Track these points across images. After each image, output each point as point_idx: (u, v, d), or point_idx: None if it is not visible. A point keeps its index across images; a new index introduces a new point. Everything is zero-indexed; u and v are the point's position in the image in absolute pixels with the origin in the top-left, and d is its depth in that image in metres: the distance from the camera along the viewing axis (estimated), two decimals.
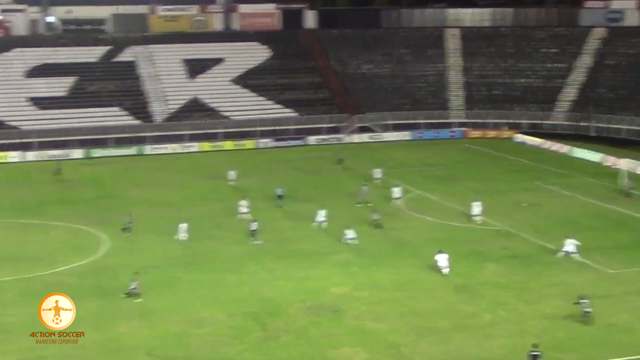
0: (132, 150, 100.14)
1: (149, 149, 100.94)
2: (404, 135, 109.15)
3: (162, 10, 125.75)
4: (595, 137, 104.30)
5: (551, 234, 62.93)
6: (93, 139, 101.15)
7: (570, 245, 56.10)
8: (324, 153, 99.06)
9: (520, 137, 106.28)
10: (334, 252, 58.89)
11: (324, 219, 64.42)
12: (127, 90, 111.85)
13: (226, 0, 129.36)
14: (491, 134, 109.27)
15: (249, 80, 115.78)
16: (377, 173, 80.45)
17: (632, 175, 79.95)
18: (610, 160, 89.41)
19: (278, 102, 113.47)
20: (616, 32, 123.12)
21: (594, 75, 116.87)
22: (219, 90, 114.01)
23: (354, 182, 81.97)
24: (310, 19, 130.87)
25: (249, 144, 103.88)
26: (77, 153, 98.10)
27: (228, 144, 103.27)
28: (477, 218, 65.42)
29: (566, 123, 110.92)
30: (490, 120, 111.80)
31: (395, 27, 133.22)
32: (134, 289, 49.08)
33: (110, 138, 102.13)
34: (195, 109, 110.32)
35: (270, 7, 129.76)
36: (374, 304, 49.02)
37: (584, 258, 56.01)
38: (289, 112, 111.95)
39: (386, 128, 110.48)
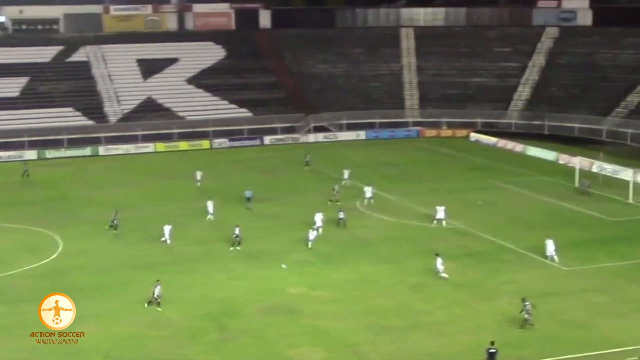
0: (86, 151, 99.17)
1: (103, 150, 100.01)
2: (360, 134, 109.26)
3: (115, 10, 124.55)
4: (549, 136, 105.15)
5: (506, 232, 63.42)
6: (46, 140, 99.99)
7: (550, 246, 55.94)
8: (280, 153, 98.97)
9: (475, 136, 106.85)
10: (291, 251, 58.76)
11: (320, 223, 63.00)
12: (80, 91, 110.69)
13: (180, 0, 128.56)
14: (446, 133, 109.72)
15: (204, 80, 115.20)
16: (346, 174, 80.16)
17: (586, 174, 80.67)
18: (564, 159, 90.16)
19: (233, 102, 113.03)
20: (568, 31, 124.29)
21: (547, 75, 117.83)
22: (174, 90, 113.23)
23: (310, 181, 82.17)
24: (264, 18, 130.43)
25: (204, 144, 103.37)
26: (30, 154, 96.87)
27: (183, 144, 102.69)
28: (443, 222, 65.16)
29: (520, 122, 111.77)
30: (445, 120, 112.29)
31: (349, 27, 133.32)
32: (157, 297, 47.86)
33: (63, 139, 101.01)
34: (149, 109, 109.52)
35: (224, 7, 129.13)
36: (331, 303, 49.00)
37: (538, 255, 56.34)
38: (243, 112, 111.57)
39: (341, 128, 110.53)
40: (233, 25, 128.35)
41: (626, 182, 75.51)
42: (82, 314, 46.45)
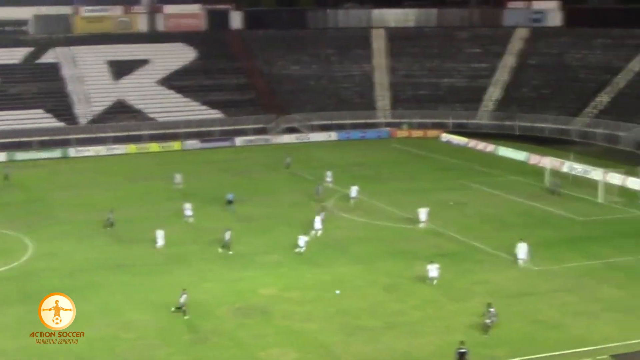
0: (56, 153, 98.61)
1: (73, 152, 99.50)
2: (331, 135, 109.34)
3: (85, 11, 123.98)
4: (520, 136, 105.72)
5: (478, 232, 63.65)
6: (16, 142, 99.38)
7: (522, 249, 55.87)
8: (252, 154, 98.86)
9: (446, 137, 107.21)
10: (263, 253, 58.69)
11: (320, 225, 62.81)
12: (50, 92, 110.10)
13: (150, 1, 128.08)
14: (417, 133, 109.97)
15: (175, 81, 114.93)
16: (329, 175, 79.89)
17: (556, 173, 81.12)
18: (534, 159, 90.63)
19: (204, 103, 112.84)
20: (538, 32, 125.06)
21: (518, 75, 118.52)
22: (145, 91, 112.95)
23: (282, 182, 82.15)
24: (235, 19, 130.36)
25: (175, 145, 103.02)
26: (0, 156, 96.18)
27: (154, 146, 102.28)
28: (423, 224, 65.08)
29: (491, 122, 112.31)
30: (417, 120, 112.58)
31: (321, 28, 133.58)
32: (183, 305, 47.06)
33: (34, 141, 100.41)
34: (120, 111, 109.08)
35: (195, 8, 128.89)
36: (303, 304, 48.94)
37: (509, 256, 56.54)
38: (215, 114, 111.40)
39: (313, 129, 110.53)
40: (204, 26, 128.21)
41: (596, 182, 76.00)
42: None
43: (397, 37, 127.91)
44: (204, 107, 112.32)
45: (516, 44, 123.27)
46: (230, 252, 58.48)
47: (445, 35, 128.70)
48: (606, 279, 53.18)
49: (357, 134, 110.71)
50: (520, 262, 55.27)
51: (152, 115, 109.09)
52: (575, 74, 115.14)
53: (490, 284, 51.62)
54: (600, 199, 73.77)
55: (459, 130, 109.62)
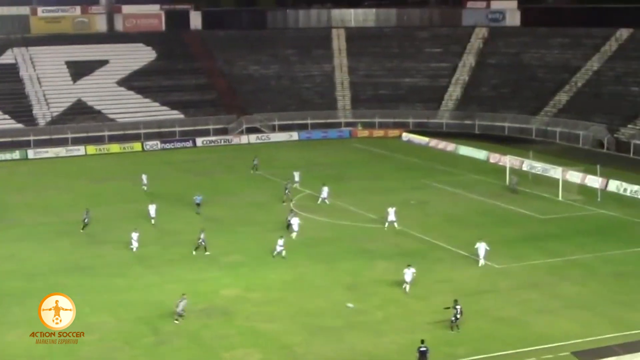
0: (15, 155, 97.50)
1: (32, 153, 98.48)
2: (292, 135, 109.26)
3: (42, 11, 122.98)
4: (480, 135, 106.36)
5: (440, 231, 63.93)
6: None
7: (482, 248, 55.91)
8: (213, 155, 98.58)
9: (407, 136, 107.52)
10: (225, 253, 58.48)
11: (297, 228, 62.14)
12: (8, 94, 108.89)
13: (109, 1, 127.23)
14: (378, 133, 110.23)
15: (134, 82, 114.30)
16: (296, 176, 79.59)
17: (516, 172, 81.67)
18: (494, 158, 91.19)
19: (164, 104, 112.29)
20: (497, 31, 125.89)
21: (477, 75, 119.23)
22: (104, 92, 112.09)
23: (244, 183, 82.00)
24: (195, 20, 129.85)
25: (135, 146, 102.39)
26: None
27: (114, 147, 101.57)
28: (394, 224, 64.98)
29: (451, 121, 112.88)
30: (378, 120, 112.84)
31: (281, 28, 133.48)
32: (180, 313, 46.30)
33: None
34: (79, 112, 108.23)
35: (154, 8, 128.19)
36: (265, 304, 48.86)
37: (471, 254, 56.79)
38: (175, 114, 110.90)
39: (274, 129, 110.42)
40: (163, 27, 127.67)
41: (556, 180, 76.60)
42: (13, 320, 46.07)
43: (357, 37, 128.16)
44: (164, 108, 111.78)
45: (475, 43, 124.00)
46: (207, 253, 58.14)
47: (405, 35, 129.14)
48: (566, 276, 53.62)
49: (318, 133, 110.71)
50: (481, 262, 55.46)
51: (112, 116, 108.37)
52: (534, 73, 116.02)
53: (452, 283, 51.82)
54: (560, 197, 74.36)
55: (420, 129, 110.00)
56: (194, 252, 58.31)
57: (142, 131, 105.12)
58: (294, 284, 52.28)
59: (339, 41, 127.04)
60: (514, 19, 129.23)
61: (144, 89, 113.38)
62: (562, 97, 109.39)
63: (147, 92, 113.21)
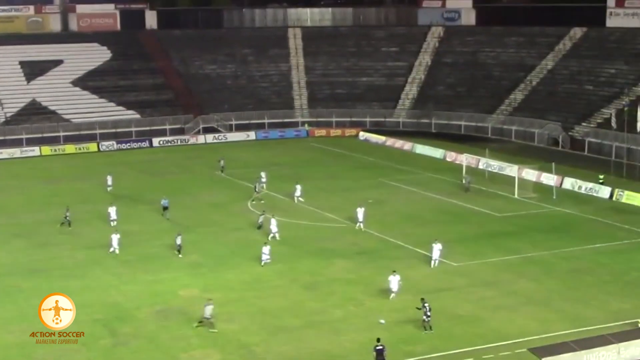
0: None
1: None
2: (249, 135, 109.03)
3: None
4: (437, 134, 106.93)
5: (397, 229, 64.12)
6: None
7: (436, 250, 55.90)
8: (169, 155, 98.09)
9: (364, 135, 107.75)
10: (183, 254, 58.08)
11: (275, 229, 61.60)
12: None
13: (63, 1, 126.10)
14: (335, 132, 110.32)
15: (90, 82, 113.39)
16: (263, 176, 79.05)
17: (472, 170, 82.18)
18: (451, 156, 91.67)
19: (120, 104, 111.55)
20: (453, 31, 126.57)
21: (433, 73, 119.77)
22: (59, 92, 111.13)
23: (201, 183, 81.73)
24: (150, 19, 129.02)
25: (91, 147, 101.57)
26: None
27: (69, 148, 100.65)
28: (361, 225, 64.84)
29: (408, 120, 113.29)
30: (335, 119, 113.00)
31: (237, 27, 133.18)
32: (209, 318, 45.06)
33: None
34: (34, 112, 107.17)
35: (109, 8, 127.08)
36: (224, 304, 48.59)
37: (428, 252, 56.99)
38: (131, 114, 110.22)
39: (231, 128, 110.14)
40: (118, 26, 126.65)
41: (512, 178, 77.13)
42: None
43: (313, 37, 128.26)
44: (120, 108, 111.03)
45: (431, 42, 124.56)
46: (180, 256, 57.61)
47: (361, 35, 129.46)
48: (523, 273, 54.03)
49: (275, 133, 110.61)
50: (433, 262, 55.48)
51: (67, 117, 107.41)
52: (490, 72, 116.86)
53: (409, 281, 51.88)
54: (516, 195, 74.91)
55: (377, 128, 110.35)
56: (180, 256, 57.82)
57: (98, 131, 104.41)
58: (253, 284, 52.17)
59: (295, 40, 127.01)
60: (469, 18, 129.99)
61: (99, 89, 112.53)
62: (518, 96, 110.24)
63: (102, 92, 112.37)
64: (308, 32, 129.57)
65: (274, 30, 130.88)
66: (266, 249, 56.01)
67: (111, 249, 58.67)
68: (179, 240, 57.88)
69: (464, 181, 78.24)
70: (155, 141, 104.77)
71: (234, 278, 53.46)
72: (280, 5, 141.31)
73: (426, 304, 44.65)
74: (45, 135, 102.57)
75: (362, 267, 55.44)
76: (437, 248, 55.53)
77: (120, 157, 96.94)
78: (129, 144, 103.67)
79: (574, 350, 38.73)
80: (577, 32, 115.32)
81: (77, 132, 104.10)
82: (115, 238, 58.93)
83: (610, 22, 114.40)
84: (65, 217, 65.16)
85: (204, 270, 54.97)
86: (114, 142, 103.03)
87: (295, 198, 72.93)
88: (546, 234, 63.47)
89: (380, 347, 39.55)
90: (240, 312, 47.44)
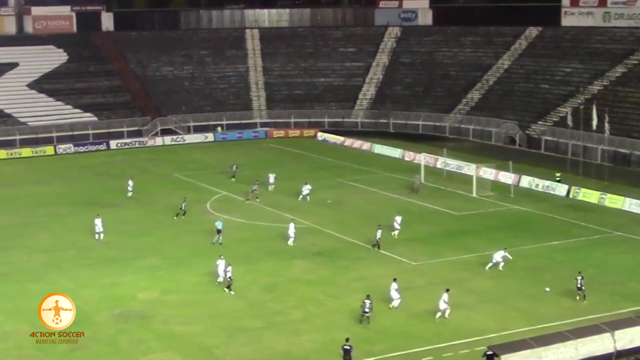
0: None
1: None
2: (207, 136, 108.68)
3: None
4: (395, 134, 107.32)
5: (356, 229, 64.21)
6: None
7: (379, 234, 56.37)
8: (127, 157, 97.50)
9: (322, 136, 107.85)
10: (140, 257, 57.97)
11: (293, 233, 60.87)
12: None
13: (18, 3, 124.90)
14: (294, 133, 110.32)
15: (46, 84, 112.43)
16: (271, 178, 78.61)
17: (430, 170, 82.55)
18: (409, 156, 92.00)
19: (76, 107, 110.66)
20: (410, 31, 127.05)
21: (391, 74, 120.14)
22: (14, 95, 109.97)
23: (159, 185, 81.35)
24: (106, 21, 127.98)
25: (48, 150, 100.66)
26: None
27: (26, 151, 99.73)
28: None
29: (366, 120, 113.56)
30: (293, 120, 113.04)
31: (194, 29, 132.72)
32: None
33: None
34: None
35: (64, 10, 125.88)
36: (183, 307, 48.52)
37: (387, 252, 57.17)
38: (88, 117, 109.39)
39: (189, 130, 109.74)
40: (74, 28, 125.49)
41: (470, 177, 77.62)
42: None
43: (271, 38, 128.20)
44: (76, 111, 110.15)
45: (389, 43, 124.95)
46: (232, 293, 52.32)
47: (319, 35, 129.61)
48: (481, 272, 54.36)
49: (233, 134, 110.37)
50: (378, 242, 55.97)
51: (23, 120, 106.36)
52: (447, 72, 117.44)
53: (369, 280, 52.09)
54: (474, 193, 75.36)
55: (335, 129, 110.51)
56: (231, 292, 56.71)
57: (55, 134, 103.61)
58: (212, 286, 51.98)
59: (253, 41, 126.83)
60: (426, 18, 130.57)
61: (55, 92, 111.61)
62: (475, 95, 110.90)
63: (58, 94, 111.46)
64: (266, 33, 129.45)
65: (231, 32, 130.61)
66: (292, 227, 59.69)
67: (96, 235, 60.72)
68: (228, 272, 51.14)
69: (413, 182, 77.88)
70: (113, 144, 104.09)
71: (193, 280, 53.24)
72: (238, 6, 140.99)
73: (367, 301, 45.11)
74: (0, 138, 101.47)
75: (322, 267, 55.51)
76: (379, 233, 57.73)
77: (77, 160, 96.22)
78: (86, 146, 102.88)
79: (532, 347, 39.05)
80: (532, 31, 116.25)
81: (33, 136, 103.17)
82: (99, 222, 60.84)
83: (565, 22, 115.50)
84: (181, 208, 67.15)
85: (162, 273, 54.71)
86: (71, 145, 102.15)
87: (301, 196, 73.61)
88: (504, 232, 63.91)
89: (348, 347, 39.65)
90: (199, 315, 47.27)
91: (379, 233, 58.39)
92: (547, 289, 50.46)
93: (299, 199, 73.39)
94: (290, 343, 43.25)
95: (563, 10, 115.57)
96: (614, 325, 41.46)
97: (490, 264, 54.16)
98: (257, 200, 73.10)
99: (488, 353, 38.74)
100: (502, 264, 54.05)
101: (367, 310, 45.10)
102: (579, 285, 48.68)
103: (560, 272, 54.13)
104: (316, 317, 46.89)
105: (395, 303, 47.80)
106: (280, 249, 59.52)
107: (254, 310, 47.81)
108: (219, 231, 60.48)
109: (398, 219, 62.71)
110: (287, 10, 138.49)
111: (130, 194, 75.91)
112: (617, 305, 48.23)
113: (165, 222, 67.07)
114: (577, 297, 48.80)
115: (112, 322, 46.13)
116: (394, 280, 48.78)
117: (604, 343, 40.41)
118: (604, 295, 50.06)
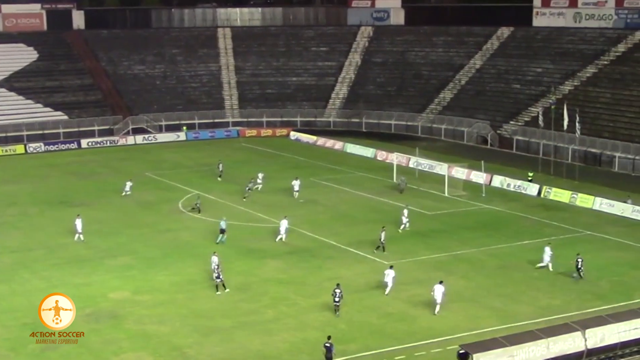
0: None
1: None
2: (179, 135, 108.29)
3: None
4: (367, 133, 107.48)
5: (329, 228, 64.29)
6: None
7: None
8: (98, 156, 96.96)
9: (295, 135, 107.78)
10: (112, 256, 57.69)
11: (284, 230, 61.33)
12: None
13: None
14: (266, 132, 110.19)
15: (15, 83, 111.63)
16: (259, 177, 78.16)
17: (402, 169, 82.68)
18: (381, 155, 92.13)
19: (47, 105, 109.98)
20: (382, 30, 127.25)
21: (363, 73, 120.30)
22: None
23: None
24: (77, 19, 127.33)
25: (18, 149, 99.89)
26: None
27: None
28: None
29: (339, 120, 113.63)
30: (265, 119, 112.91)
31: (166, 27, 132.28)
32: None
33: None
34: None
35: (35, 8, 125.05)
36: (155, 307, 48.34)
37: (360, 251, 57.16)
38: (59, 115, 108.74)
39: (161, 129, 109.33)
40: (45, 26, 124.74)
41: (441, 177, 77.84)
42: None
43: (243, 36, 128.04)
44: (47, 109, 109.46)
45: (361, 42, 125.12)
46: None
47: (291, 34, 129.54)
48: (453, 271, 54.54)
49: (205, 133, 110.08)
50: (377, 247, 56.05)
51: None
52: (419, 72, 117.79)
53: (341, 279, 51.87)
54: (446, 193, 75.56)
55: (308, 128, 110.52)
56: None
57: (25, 133, 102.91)
58: (184, 286, 51.85)
59: (225, 40, 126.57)
60: (398, 17, 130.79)
61: (25, 90, 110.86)
62: (447, 95, 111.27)
63: (29, 93, 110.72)
64: (238, 32, 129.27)
65: (203, 30, 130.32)
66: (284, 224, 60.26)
67: (76, 236, 60.39)
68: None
69: (399, 183, 78.17)
70: (84, 142, 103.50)
71: (165, 280, 53.06)
72: (210, 5, 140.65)
73: (337, 290, 45.93)
74: None
75: (294, 267, 55.46)
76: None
77: (48, 159, 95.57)
78: (56, 145, 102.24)
79: (504, 345, 39.15)
80: (504, 31, 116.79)
81: (3, 134, 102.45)
82: (78, 222, 60.60)
83: (537, 22, 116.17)
84: (196, 204, 68.19)
85: (134, 272, 54.47)
86: (42, 144, 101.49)
87: (294, 193, 74.09)
88: (475, 231, 64.16)
89: (329, 345, 39.79)
90: (171, 314, 47.12)
91: (383, 235, 58.11)
92: (574, 275, 52.52)
93: (295, 196, 73.88)
94: (263, 343, 43.17)
95: (534, 10, 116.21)
96: (584, 324, 41.65)
97: (541, 264, 54.69)
98: (255, 189, 74.46)
99: (461, 352, 38.89)
100: (550, 264, 54.33)
101: (337, 300, 45.72)
102: (579, 266, 51.86)
103: (531, 272, 54.37)
104: (288, 316, 46.83)
105: (387, 291, 49.56)
106: (252, 248, 59.42)
107: (226, 310, 47.68)
108: (222, 230, 60.41)
109: (405, 212, 64.33)
110: (259, 9, 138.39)
111: (125, 193, 75.41)
112: (587, 304, 48.55)
113: (137, 222, 66.75)
114: (574, 275, 52.30)
115: (83, 322, 45.64)
116: (390, 267, 50.43)
117: (575, 342, 40.59)
118: (574, 294, 50.39)
